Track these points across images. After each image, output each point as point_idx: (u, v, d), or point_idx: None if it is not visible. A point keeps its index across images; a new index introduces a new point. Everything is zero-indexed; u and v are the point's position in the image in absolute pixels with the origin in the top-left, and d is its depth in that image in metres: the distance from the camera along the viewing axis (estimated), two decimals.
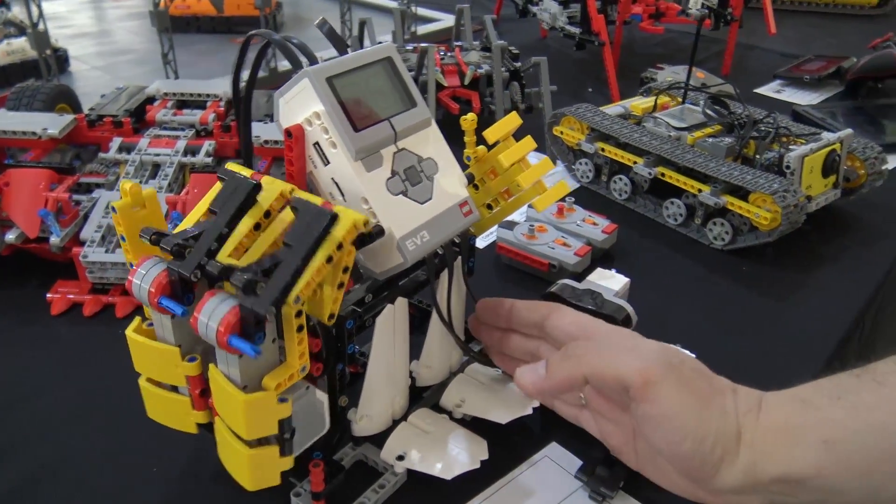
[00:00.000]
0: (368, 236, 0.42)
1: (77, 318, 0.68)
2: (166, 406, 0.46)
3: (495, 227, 0.73)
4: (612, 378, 0.44)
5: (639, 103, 0.93)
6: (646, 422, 0.44)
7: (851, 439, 0.40)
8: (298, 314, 0.39)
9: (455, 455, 0.50)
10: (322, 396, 0.44)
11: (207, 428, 0.45)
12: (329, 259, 0.38)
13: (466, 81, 1.03)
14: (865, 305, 0.72)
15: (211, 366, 0.41)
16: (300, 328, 0.40)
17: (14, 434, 0.55)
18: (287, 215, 0.42)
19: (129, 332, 0.44)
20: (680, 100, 0.94)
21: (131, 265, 0.42)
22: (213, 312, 0.37)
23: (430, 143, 0.48)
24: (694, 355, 0.56)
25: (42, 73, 1.09)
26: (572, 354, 0.47)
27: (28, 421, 0.57)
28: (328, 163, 0.44)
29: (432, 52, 1.00)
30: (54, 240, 0.67)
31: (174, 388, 0.45)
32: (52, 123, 0.78)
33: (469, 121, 0.50)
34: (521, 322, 0.53)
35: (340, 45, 0.46)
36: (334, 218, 0.39)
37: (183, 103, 0.87)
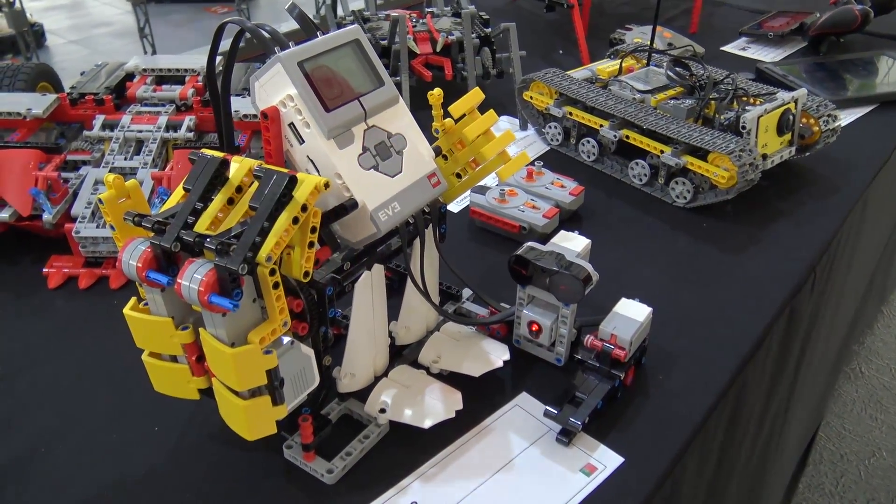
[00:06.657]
0: (343, 209, 0.46)
1: (73, 290, 0.71)
2: (169, 377, 0.49)
3: (468, 192, 0.77)
4: None
5: (605, 66, 0.96)
6: None
7: None
8: (272, 272, 0.43)
9: (432, 406, 0.54)
10: (308, 351, 0.47)
11: (207, 393, 0.49)
12: (295, 220, 0.42)
13: (438, 48, 1.05)
14: (817, 257, 0.76)
15: (201, 330, 0.45)
16: (276, 285, 0.43)
17: (17, 403, 0.59)
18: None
19: (127, 310, 0.47)
20: (645, 62, 0.97)
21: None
22: (193, 276, 0.41)
23: (399, 119, 0.51)
24: (651, 309, 0.60)
25: (21, 50, 1.10)
26: None
27: (30, 390, 0.60)
28: (303, 142, 0.47)
29: (404, 21, 1.02)
30: (47, 217, 0.70)
31: (174, 359, 0.49)
32: (35, 103, 0.80)
33: (435, 96, 0.53)
34: None
35: (310, 29, 0.49)
36: (293, 180, 0.42)
37: (162, 79, 0.89)
